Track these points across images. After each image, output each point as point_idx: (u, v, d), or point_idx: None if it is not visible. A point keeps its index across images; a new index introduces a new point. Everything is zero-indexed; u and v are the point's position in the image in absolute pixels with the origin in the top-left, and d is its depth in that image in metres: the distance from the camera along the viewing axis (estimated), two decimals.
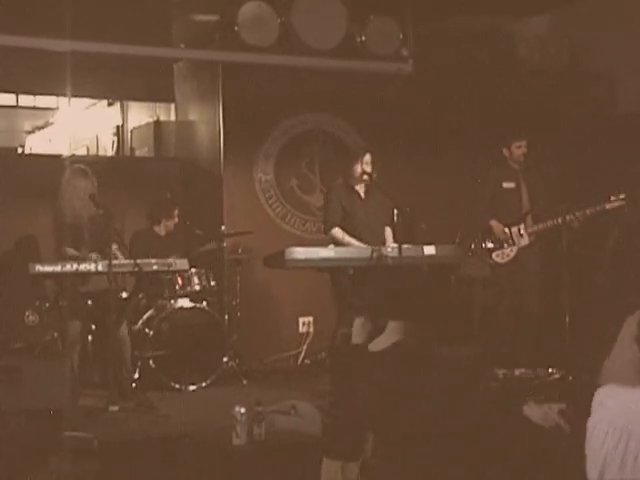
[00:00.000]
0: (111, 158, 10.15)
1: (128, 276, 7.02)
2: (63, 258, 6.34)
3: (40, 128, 12.28)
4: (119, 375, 6.32)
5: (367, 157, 6.77)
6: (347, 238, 6.69)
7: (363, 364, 3.22)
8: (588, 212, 7.04)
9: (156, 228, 7.50)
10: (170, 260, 6.53)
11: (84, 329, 6.66)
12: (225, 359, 7.15)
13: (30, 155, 11.47)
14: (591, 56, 9.30)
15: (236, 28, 7.55)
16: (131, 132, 10.25)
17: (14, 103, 11.82)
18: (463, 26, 8.89)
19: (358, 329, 6.32)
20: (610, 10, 8.81)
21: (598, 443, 2.30)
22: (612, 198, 7.06)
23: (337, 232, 6.75)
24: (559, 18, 9.41)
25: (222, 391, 6.85)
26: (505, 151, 7.45)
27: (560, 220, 7.01)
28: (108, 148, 10.71)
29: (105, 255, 6.25)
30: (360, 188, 6.86)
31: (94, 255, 6.41)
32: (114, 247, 6.27)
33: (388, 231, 6.83)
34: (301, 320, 8.24)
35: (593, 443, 2.32)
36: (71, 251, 6.51)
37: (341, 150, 8.06)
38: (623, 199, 7.03)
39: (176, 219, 7.53)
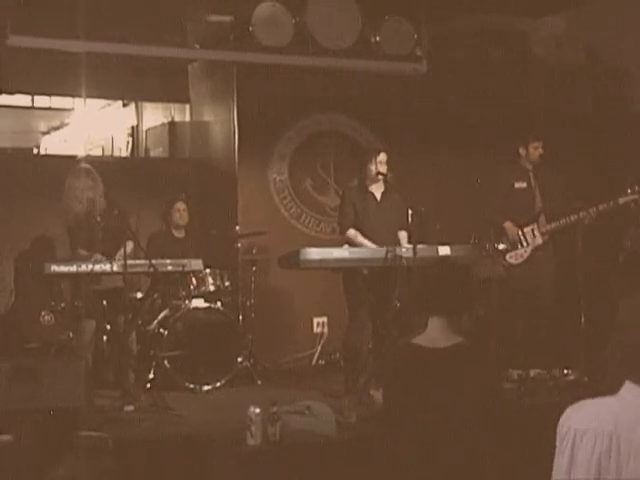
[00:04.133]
0: (126, 159, 10.18)
1: (143, 276, 7.05)
2: (74, 259, 6.37)
3: (55, 129, 12.31)
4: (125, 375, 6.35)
5: (381, 156, 6.67)
6: (359, 239, 6.63)
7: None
8: (601, 208, 6.94)
9: (173, 230, 7.51)
10: (185, 260, 6.54)
11: (99, 329, 6.68)
12: (239, 359, 7.16)
13: (45, 156, 11.51)
14: (607, 55, 9.27)
15: (251, 28, 7.56)
16: (146, 133, 10.27)
17: (29, 104, 11.85)
18: (478, 25, 8.87)
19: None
20: (626, 8, 8.77)
21: (587, 452, 2.31)
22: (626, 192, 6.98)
23: (350, 233, 6.68)
24: (575, 17, 9.37)
25: (236, 391, 6.85)
26: (522, 150, 7.33)
27: (574, 218, 6.93)
28: (123, 149, 10.73)
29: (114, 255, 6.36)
30: (376, 189, 6.77)
31: (99, 256, 6.42)
32: (129, 246, 6.29)
33: (403, 235, 6.76)
34: (315, 320, 8.23)
35: (581, 453, 2.32)
36: (82, 252, 6.53)
37: (355, 151, 8.04)
38: (636, 192, 6.93)
39: (185, 214, 7.50)
